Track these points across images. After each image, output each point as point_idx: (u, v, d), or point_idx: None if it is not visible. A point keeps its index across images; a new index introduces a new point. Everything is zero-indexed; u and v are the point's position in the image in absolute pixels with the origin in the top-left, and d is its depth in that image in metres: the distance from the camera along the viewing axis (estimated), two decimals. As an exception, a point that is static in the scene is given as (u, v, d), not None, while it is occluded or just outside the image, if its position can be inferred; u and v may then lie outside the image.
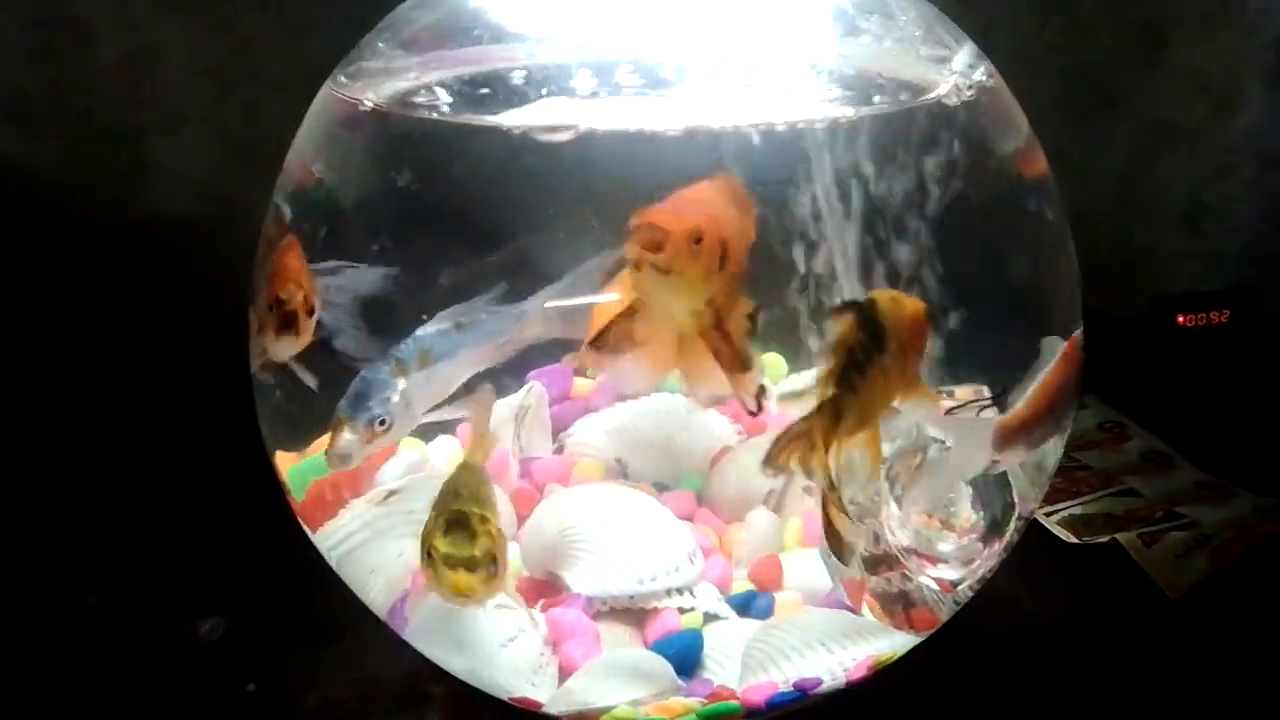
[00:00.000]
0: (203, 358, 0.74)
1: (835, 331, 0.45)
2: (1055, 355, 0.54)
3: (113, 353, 0.94)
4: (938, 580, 0.54)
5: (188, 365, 0.86)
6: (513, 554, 0.54)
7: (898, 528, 0.53)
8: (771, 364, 0.63)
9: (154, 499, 0.81)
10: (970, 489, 0.54)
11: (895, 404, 0.47)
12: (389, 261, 0.53)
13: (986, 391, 0.54)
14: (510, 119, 0.50)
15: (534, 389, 0.61)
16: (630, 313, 0.46)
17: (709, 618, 0.54)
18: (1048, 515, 0.78)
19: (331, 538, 0.56)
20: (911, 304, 0.47)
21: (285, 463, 0.57)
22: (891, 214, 0.49)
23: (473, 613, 0.52)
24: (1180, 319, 1.06)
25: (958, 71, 0.55)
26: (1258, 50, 1.08)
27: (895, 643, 0.55)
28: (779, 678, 0.53)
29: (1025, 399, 0.53)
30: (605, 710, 0.52)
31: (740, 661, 0.53)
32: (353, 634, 0.66)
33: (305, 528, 0.57)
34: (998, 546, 0.54)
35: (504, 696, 0.54)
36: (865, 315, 0.45)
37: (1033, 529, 0.73)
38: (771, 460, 0.46)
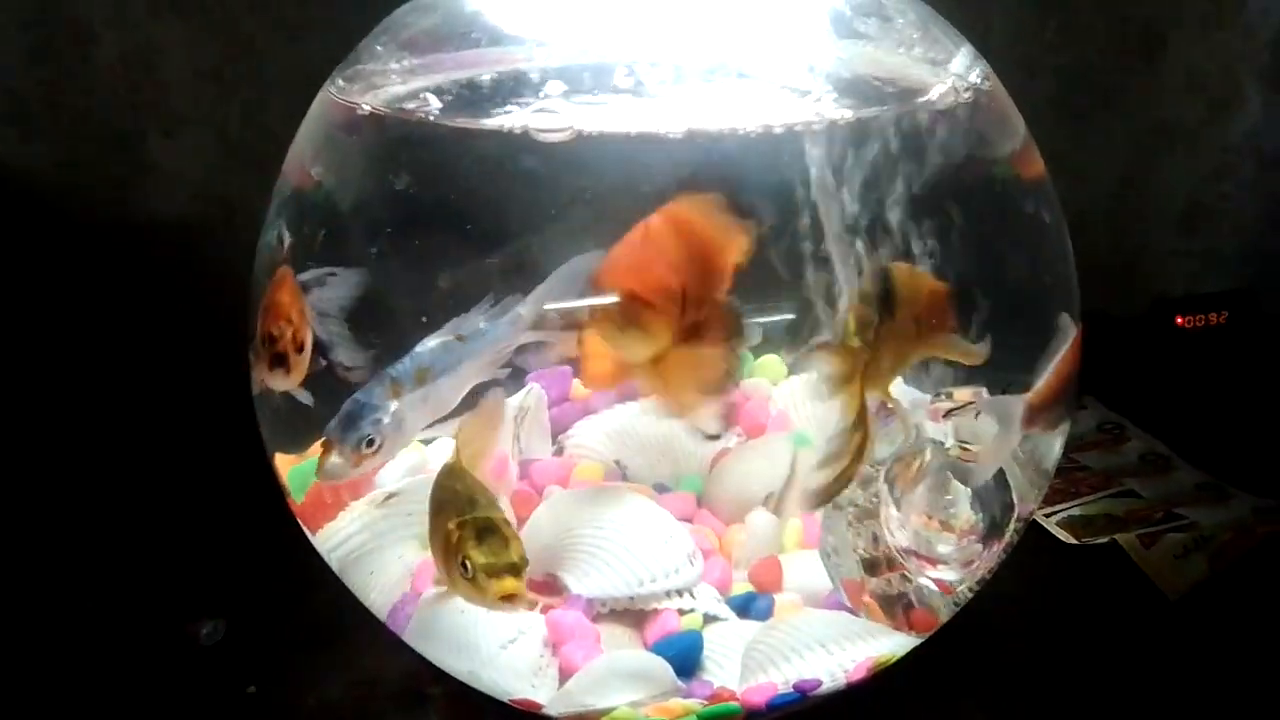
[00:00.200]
0: (202, 359, 0.74)
1: (855, 299, 0.47)
2: (1070, 333, 0.55)
3: (112, 354, 0.94)
4: (937, 581, 0.54)
5: (187, 366, 0.86)
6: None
7: (897, 529, 0.53)
8: (770, 366, 0.64)
9: (154, 501, 0.81)
10: (969, 490, 0.54)
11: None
12: (388, 264, 0.53)
13: (985, 393, 0.54)
14: (508, 122, 0.50)
15: (533, 391, 0.61)
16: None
17: (709, 619, 0.54)
18: (1047, 516, 0.78)
19: (331, 540, 0.56)
20: (929, 281, 0.49)
21: (285, 465, 0.58)
22: (887, 216, 0.49)
23: (473, 614, 0.52)
24: (1179, 320, 1.06)
25: (954, 74, 0.55)
26: (1256, 51, 1.08)
27: (895, 644, 0.55)
28: (779, 679, 0.53)
29: (1046, 377, 0.54)
30: (605, 712, 0.52)
31: (740, 663, 0.53)
32: (352, 636, 0.66)
33: (305, 530, 0.57)
34: (997, 547, 0.54)
35: (504, 698, 0.54)
36: (881, 281, 0.47)
37: (1032, 530, 0.73)
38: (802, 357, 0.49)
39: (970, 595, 0.56)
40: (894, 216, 0.50)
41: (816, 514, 0.56)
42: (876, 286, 0.48)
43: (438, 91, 0.53)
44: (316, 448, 0.55)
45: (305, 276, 0.53)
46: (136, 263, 0.97)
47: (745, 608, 0.55)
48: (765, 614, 0.55)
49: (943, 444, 0.53)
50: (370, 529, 0.56)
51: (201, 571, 0.74)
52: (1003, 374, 0.54)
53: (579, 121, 0.49)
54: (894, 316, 0.48)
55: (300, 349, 0.52)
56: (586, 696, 0.52)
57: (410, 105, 0.53)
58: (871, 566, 0.54)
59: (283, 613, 0.70)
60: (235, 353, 0.57)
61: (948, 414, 0.54)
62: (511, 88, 0.51)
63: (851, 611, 0.54)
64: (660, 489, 0.59)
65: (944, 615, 0.56)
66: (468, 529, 0.47)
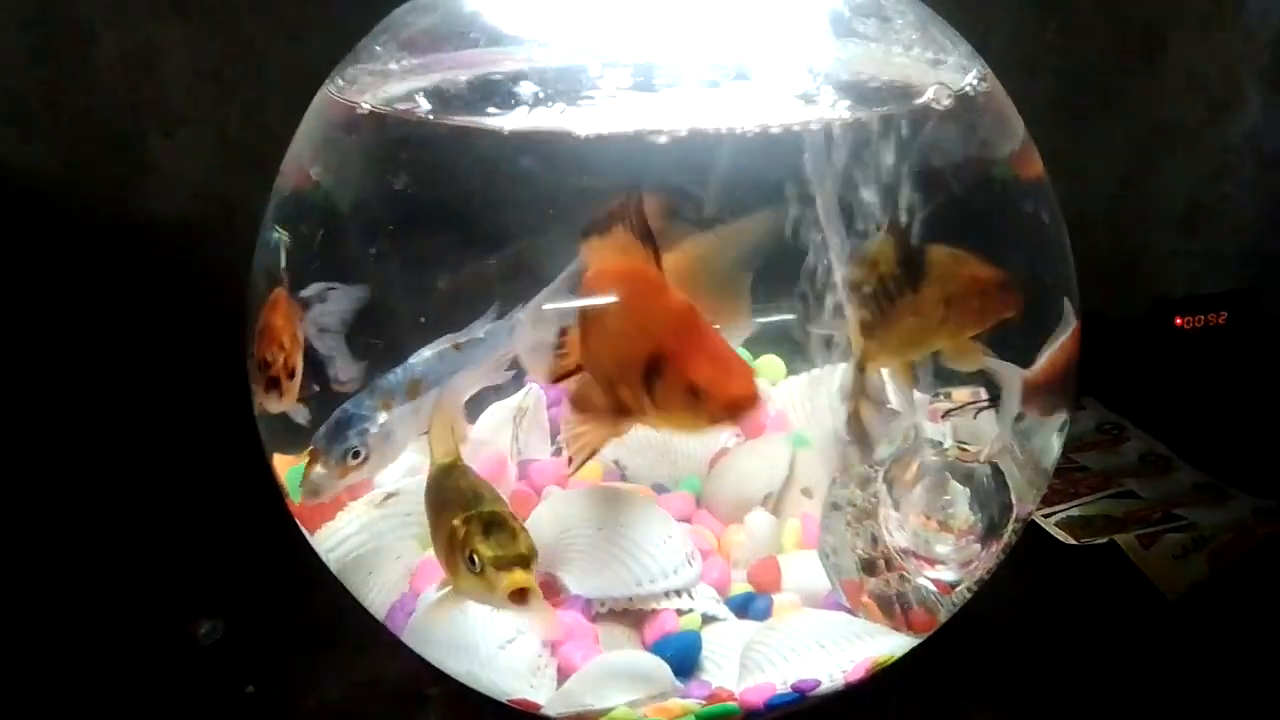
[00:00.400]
0: (201, 359, 0.74)
1: (869, 251, 0.45)
2: (1070, 321, 0.55)
3: (112, 354, 0.94)
4: (936, 582, 0.54)
5: (186, 367, 0.86)
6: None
7: (896, 529, 0.53)
8: (770, 366, 0.64)
9: (153, 501, 0.81)
10: (968, 490, 0.54)
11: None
12: (387, 264, 0.53)
13: (984, 393, 0.54)
14: (507, 121, 0.50)
15: (532, 391, 0.61)
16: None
17: (707, 619, 0.54)
18: (1046, 517, 0.78)
19: (330, 540, 0.56)
20: (974, 266, 0.47)
21: (283, 465, 0.57)
22: (886, 216, 0.49)
23: (472, 614, 0.52)
24: (1178, 321, 1.06)
25: (953, 74, 0.55)
26: (1256, 51, 1.08)
27: (893, 644, 0.55)
28: (777, 679, 0.53)
29: (1045, 357, 0.54)
30: (604, 712, 0.52)
31: (738, 663, 0.53)
32: (351, 636, 0.66)
33: (303, 530, 0.57)
34: (996, 548, 0.54)
35: (502, 698, 0.54)
36: (907, 252, 0.46)
37: (1031, 530, 0.73)
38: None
39: (969, 596, 0.56)
40: (890, 218, 0.50)
41: (815, 514, 0.56)
42: (903, 259, 0.46)
43: (438, 91, 0.53)
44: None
45: (306, 293, 0.53)
46: (136, 263, 0.97)
47: (744, 608, 0.55)
48: (764, 614, 0.55)
49: (941, 444, 0.53)
50: (369, 529, 0.56)
51: (201, 571, 0.74)
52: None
53: (579, 122, 0.49)
54: (916, 292, 0.46)
55: (292, 375, 0.52)
56: (585, 696, 0.52)
57: (411, 104, 0.53)
58: (870, 567, 0.54)
59: (282, 613, 0.70)
60: (235, 353, 0.57)
61: (946, 414, 0.54)
62: (511, 88, 0.51)
63: (850, 612, 0.54)
64: (659, 489, 0.59)
65: (942, 615, 0.56)
66: (474, 523, 0.46)
